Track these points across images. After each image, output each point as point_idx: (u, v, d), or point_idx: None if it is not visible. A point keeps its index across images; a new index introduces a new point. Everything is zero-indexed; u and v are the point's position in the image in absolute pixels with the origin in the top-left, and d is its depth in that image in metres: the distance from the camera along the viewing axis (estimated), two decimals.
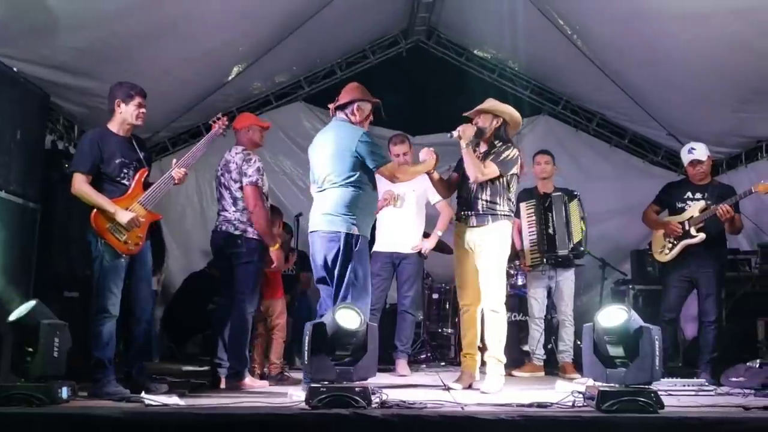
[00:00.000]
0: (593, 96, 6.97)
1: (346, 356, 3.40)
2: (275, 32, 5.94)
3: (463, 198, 4.13)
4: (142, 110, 4.08)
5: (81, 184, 4.03)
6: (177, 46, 5.20)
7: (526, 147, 6.21)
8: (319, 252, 3.82)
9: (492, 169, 4.00)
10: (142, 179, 4.10)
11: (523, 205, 5.27)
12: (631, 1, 5.00)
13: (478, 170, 3.93)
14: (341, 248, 3.71)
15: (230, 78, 6.36)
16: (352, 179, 3.76)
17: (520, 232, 5.29)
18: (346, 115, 3.87)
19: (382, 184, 4.44)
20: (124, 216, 3.99)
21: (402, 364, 5.15)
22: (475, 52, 7.19)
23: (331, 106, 3.92)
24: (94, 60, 4.83)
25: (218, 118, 4.38)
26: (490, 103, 4.12)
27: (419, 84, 6.89)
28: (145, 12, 4.67)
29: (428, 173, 4.10)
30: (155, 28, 4.87)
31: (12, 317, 3.64)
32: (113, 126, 4.15)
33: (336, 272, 3.75)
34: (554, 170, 5.38)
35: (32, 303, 3.66)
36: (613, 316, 3.41)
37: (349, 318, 3.39)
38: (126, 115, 4.08)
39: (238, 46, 5.86)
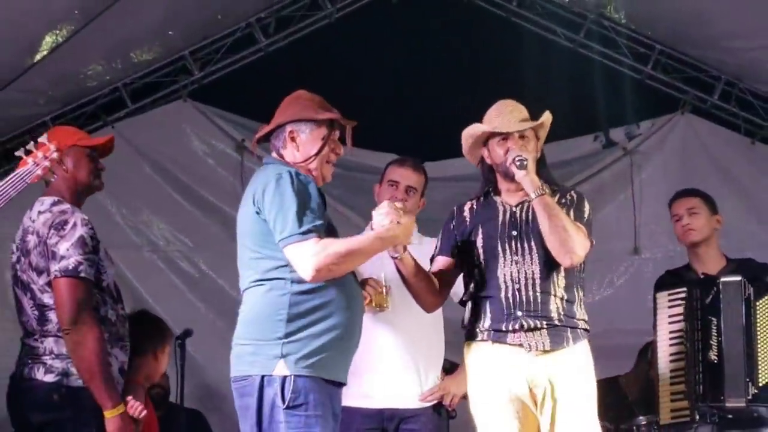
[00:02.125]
0: None
1: None
2: None
3: (507, 295, 3.37)
4: None
5: None
6: None
7: (649, 180, 5.79)
8: (239, 417, 3.14)
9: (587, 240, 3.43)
10: None
11: (662, 298, 4.35)
12: None
13: (577, 240, 3.31)
14: (255, 410, 3.02)
15: (38, 57, 5.21)
16: (272, 267, 3.07)
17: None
18: (277, 151, 3.26)
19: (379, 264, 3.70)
20: None
21: None
22: None
23: (257, 137, 3.40)
24: None
25: (38, 144, 3.37)
26: (548, 117, 3.51)
27: (426, 59, 5.82)
28: None
29: (393, 256, 3.33)
30: None
31: None
32: None
33: None
34: (713, 225, 4.34)
35: None
36: None
37: None
38: None
39: None
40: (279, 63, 5.63)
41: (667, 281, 4.33)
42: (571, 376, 3.35)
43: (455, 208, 3.58)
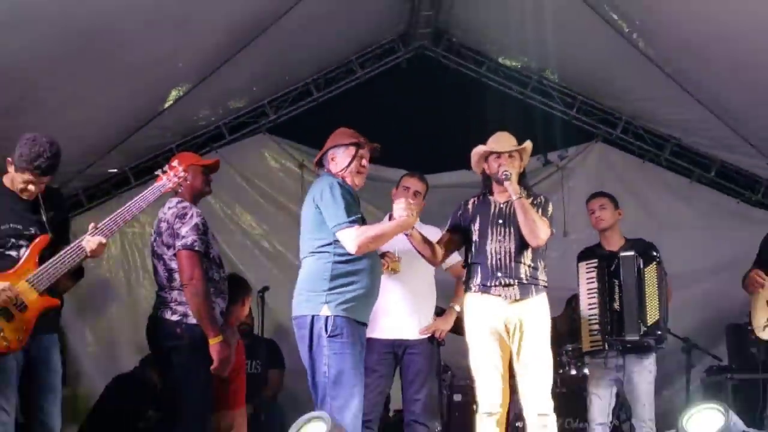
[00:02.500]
0: (665, 114, 6.48)
1: None
2: (226, 42, 5.51)
3: (492, 262, 3.76)
4: (31, 187, 3.60)
5: None
6: (90, 66, 4.76)
7: (574, 187, 6.30)
8: (298, 343, 3.56)
9: (548, 230, 3.78)
10: (39, 250, 3.53)
11: (582, 266, 4.72)
12: None
13: (542, 229, 3.69)
14: (308, 338, 3.45)
15: (167, 105, 5.89)
16: (321, 244, 3.48)
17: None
18: (326, 167, 3.71)
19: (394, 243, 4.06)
20: None
21: None
22: (500, 60, 6.74)
23: (315, 161, 3.85)
24: None
25: (170, 166, 3.85)
26: (529, 144, 3.91)
27: (426, 105, 6.46)
28: (47, 24, 4.21)
29: (407, 234, 3.74)
30: (59, 43, 4.43)
31: None
32: (6, 180, 3.68)
33: (309, 374, 3.45)
34: (616, 216, 4.75)
35: None
36: (706, 420, 3.16)
37: None
38: (15, 179, 3.63)
39: (176, 61, 5.39)
40: (327, 109, 6.46)
41: (585, 255, 4.81)
42: (534, 317, 3.80)
43: (462, 202, 3.98)
